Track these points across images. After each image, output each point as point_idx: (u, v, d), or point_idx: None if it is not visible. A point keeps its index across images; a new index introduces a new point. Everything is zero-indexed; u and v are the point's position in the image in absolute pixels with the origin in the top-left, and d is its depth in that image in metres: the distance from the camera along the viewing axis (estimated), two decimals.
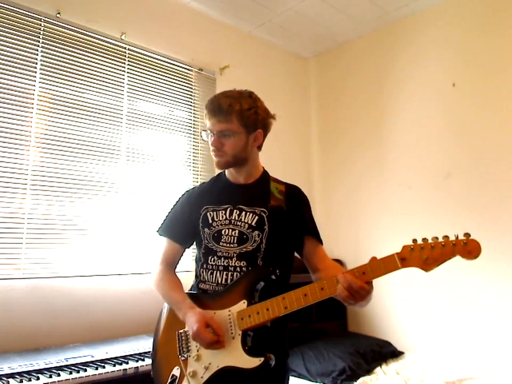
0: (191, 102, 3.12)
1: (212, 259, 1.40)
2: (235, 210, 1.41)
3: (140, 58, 2.86)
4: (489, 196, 2.78)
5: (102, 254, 2.55)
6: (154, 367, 1.44)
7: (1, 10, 2.31)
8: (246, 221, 1.38)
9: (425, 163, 3.12)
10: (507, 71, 2.78)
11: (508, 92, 2.76)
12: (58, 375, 1.74)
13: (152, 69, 2.92)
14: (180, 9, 3.11)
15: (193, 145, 3.09)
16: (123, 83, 2.76)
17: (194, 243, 1.51)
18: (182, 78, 3.08)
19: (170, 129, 2.98)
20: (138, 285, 2.60)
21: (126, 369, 1.89)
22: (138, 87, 2.84)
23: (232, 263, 1.36)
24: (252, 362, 1.22)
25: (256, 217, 1.38)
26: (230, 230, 1.39)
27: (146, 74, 2.88)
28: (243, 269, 1.34)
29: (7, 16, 2.32)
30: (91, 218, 2.53)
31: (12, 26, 2.34)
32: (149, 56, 2.91)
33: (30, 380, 1.67)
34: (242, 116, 1.37)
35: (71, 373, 1.76)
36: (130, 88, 2.79)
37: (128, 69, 2.79)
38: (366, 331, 3.32)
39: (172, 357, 1.36)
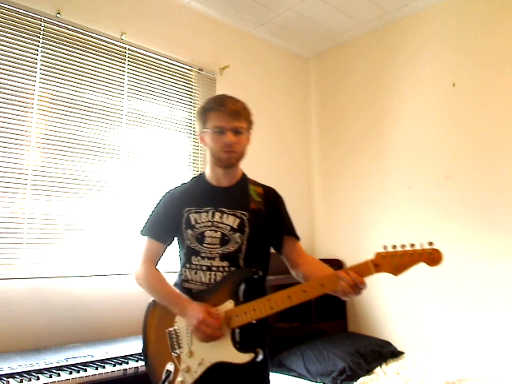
0: (191, 102, 3.12)
1: (196, 259, 1.46)
2: (217, 213, 1.47)
3: (140, 58, 2.86)
4: (489, 195, 2.78)
5: (103, 254, 2.55)
6: (148, 365, 1.49)
7: (1, 10, 2.31)
8: (227, 223, 1.45)
9: (425, 163, 3.12)
10: (507, 70, 2.77)
11: (508, 91, 2.76)
12: (58, 375, 1.74)
13: (152, 69, 2.92)
14: (180, 9, 3.11)
15: (193, 145, 3.09)
16: (123, 83, 2.76)
17: (177, 240, 1.56)
18: (182, 78, 3.08)
19: (170, 129, 2.98)
20: None
21: (126, 369, 1.89)
22: (138, 87, 2.84)
23: (215, 263, 1.43)
24: (243, 357, 1.31)
25: (238, 220, 1.45)
26: (213, 232, 1.45)
27: (146, 74, 2.89)
28: (225, 269, 1.42)
29: (7, 16, 2.33)
30: (91, 218, 2.53)
31: (12, 26, 2.34)
32: (149, 56, 2.91)
33: (30, 380, 1.67)
34: (247, 116, 1.50)
35: (71, 373, 1.76)
36: (130, 88, 2.79)
37: (128, 69, 2.79)
38: (366, 331, 3.32)
39: (164, 354, 1.43)
